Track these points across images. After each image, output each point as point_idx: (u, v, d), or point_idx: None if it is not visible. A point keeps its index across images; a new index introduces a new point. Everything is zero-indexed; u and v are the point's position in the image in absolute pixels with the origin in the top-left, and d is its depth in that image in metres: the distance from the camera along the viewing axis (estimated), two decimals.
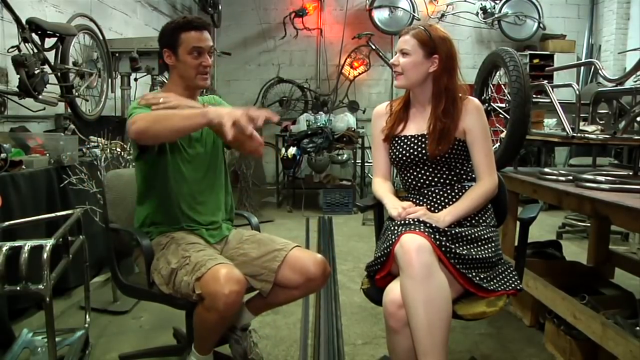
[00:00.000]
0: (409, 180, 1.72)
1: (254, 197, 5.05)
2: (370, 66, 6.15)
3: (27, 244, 1.48)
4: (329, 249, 3.75)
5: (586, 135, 2.29)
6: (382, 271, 1.51)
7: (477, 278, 1.46)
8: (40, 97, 2.59)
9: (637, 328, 1.68)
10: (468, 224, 1.61)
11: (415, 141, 1.68)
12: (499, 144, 2.35)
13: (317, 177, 5.62)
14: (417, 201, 1.68)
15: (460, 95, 1.65)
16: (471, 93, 1.95)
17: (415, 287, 1.35)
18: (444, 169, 1.66)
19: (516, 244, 1.70)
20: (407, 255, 1.38)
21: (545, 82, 2.64)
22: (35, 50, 2.61)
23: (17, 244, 1.49)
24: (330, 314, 2.45)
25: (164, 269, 1.59)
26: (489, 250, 1.55)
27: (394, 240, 1.44)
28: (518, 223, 1.67)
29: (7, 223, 1.87)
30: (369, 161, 5.41)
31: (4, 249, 1.47)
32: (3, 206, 1.96)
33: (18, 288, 1.46)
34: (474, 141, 1.63)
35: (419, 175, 1.69)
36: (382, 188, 1.75)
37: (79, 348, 1.87)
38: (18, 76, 2.48)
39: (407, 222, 1.53)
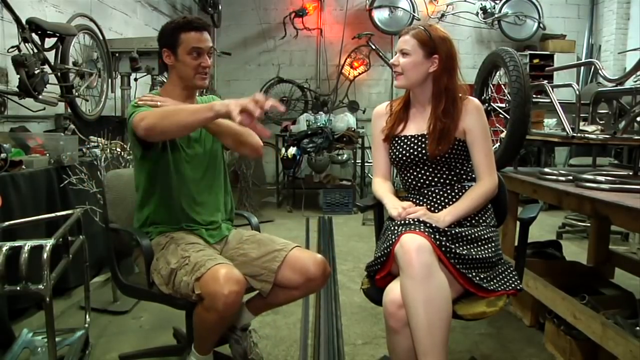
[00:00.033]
0: (409, 180, 1.72)
1: (254, 197, 5.05)
2: (370, 66, 6.15)
3: (27, 244, 1.48)
4: (329, 249, 3.75)
5: (586, 135, 2.29)
6: (382, 271, 1.51)
7: (477, 278, 1.46)
8: (40, 97, 2.59)
9: (637, 328, 1.68)
10: (468, 224, 1.61)
11: (415, 141, 1.68)
12: (499, 144, 2.35)
13: (317, 177, 5.62)
14: (417, 201, 1.68)
15: (460, 95, 1.65)
16: (471, 93, 1.95)
17: (415, 287, 1.35)
18: (444, 169, 1.66)
19: (516, 244, 1.70)
20: (407, 255, 1.38)
21: (545, 82, 2.64)
22: (35, 50, 2.62)
23: (17, 244, 1.49)
24: (330, 314, 2.45)
25: (164, 269, 1.59)
26: (489, 250, 1.55)
27: (394, 240, 1.44)
28: (518, 223, 1.67)
29: (7, 223, 1.87)
30: (369, 161, 5.41)
31: (4, 249, 1.47)
32: (3, 206, 1.96)
33: (18, 288, 1.46)
34: (474, 141, 1.63)
35: (419, 175, 1.69)
36: (382, 188, 1.75)
37: (79, 348, 1.87)
38: (18, 76, 2.48)
39: (407, 222, 1.53)
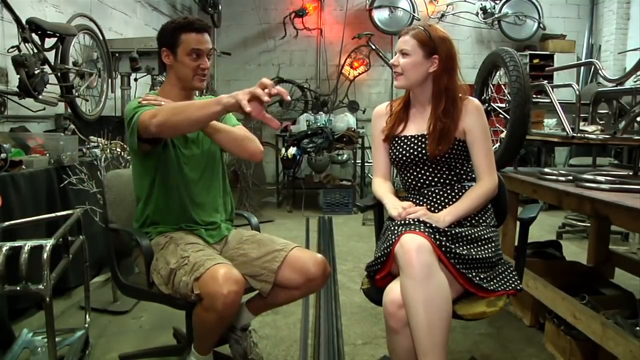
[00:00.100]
0: (409, 180, 1.72)
1: (254, 197, 5.05)
2: (370, 66, 6.15)
3: (27, 244, 1.48)
4: (329, 249, 3.75)
5: (586, 135, 2.29)
6: (382, 271, 1.51)
7: (477, 278, 1.46)
8: (40, 97, 2.59)
9: (637, 328, 1.68)
10: (468, 224, 1.61)
11: (415, 141, 1.68)
12: (499, 144, 2.35)
13: (317, 177, 5.63)
14: (417, 201, 1.68)
15: (460, 95, 1.65)
16: (471, 93, 1.95)
17: (415, 287, 1.35)
18: (444, 169, 1.66)
19: (516, 244, 1.70)
20: (407, 255, 1.37)
21: (545, 82, 2.64)
22: (35, 50, 2.61)
23: (17, 244, 1.49)
24: (330, 314, 2.45)
25: (163, 269, 1.59)
26: (489, 250, 1.55)
27: (394, 240, 1.44)
28: (518, 223, 1.67)
29: (7, 223, 1.86)
30: (369, 161, 5.41)
31: (4, 249, 1.47)
32: (3, 206, 1.96)
33: (18, 288, 1.46)
34: (474, 141, 1.63)
35: (419, 175, 1.69)
36: (382, 188, 1.75)
37: (79, 348, 1.87)
38: (18, 76, 2.48)
39: (407, 222, 1.53)
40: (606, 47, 5.95)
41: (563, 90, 3.10)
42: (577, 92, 2.36)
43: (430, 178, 1.67)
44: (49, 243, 1.52)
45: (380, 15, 5.92)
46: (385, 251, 1.48)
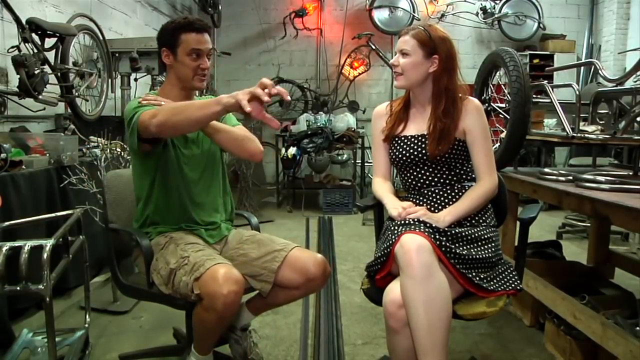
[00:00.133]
0: (409, 180, 1.72)
1: (254, 197, 5.05)
2: (370, 66, 6.15)
3: (27, 244, 1.48)
4: (329, 249, 3.75)
5: (586, 135, 2.29)
6: (382, 271, 1.51)
7: (477, 278, 1.46)
8: (40, 97, 2.59)
9: (637, 328, 1.68)
10: (468, 224, 1.61)
11: (415, 141, 1.68)
12: (499, 144, 2.35)
13: (317, 177, 5.63)
14: (417, 201, 1.68)
15: (460, 95, 1.65)
16: (471, 93, 1.95)
17: (415, 287, 1.35)
18: (444, 169, 1.66)
19: (516, 244, 1.70)
20: (407, 255, 1.38)
21: (545, 82, 2.64)
22: (35, 50, 2.61)
23: (17, 244, 1.49)
24: (330, 314, 2.45)
25: (163, 269, 1.59)
26: (489, 250, 1.55)
27: (394, 240, 1.44)
28: (518, 223, 1.67)
29: (7, 223, 1.86)
30: (369, 161, 5.41)
31: (4, 249, 1.47)
32: (3, 206, 1.96)
33: (18, 288, 1.46)
34: (474, 141, 1.63)
35: (419, 176, 1.69)
36: (382, 188, 1.75)
37: (79, 348, 1.87)
38: (18, 76, 2.48)
39: (407, 222, 1.53)
40: (606, 47, 5.95)
41: (563, 90, 3.10)
42: (577, 92, 2.36)
43: (430, 178, 1.67)
44: (49, 243, 1.52)
45: (380, 15, 5.92)
46: (385, 251, 1.48)
